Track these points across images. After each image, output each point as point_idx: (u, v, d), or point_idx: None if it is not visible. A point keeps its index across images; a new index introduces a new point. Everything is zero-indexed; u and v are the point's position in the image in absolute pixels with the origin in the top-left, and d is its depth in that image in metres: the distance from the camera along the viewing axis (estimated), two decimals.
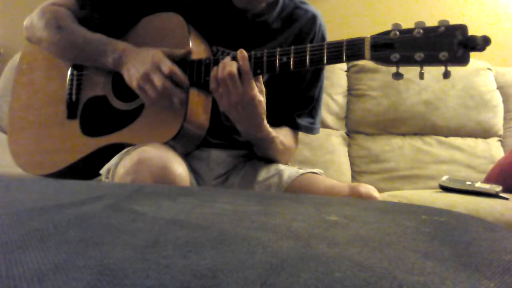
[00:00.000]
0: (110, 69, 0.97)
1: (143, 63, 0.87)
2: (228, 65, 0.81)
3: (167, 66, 0.85)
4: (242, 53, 0.82)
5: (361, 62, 2.00)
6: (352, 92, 2.01)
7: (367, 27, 1.99)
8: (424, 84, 1.93)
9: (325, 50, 0.79)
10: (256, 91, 0.83)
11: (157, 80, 0.85)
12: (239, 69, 0.81)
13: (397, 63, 0.73)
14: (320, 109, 1.10)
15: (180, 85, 0.87)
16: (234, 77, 0.81)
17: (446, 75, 0.70)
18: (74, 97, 1.03)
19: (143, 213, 0.41)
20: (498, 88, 2.00)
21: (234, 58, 0.83)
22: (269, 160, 1.04)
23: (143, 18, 0.98)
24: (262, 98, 0.85)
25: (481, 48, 0.67)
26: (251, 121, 0.88)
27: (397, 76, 0.74)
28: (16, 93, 1.14)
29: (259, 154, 1.04)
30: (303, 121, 1.06)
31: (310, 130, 1.08)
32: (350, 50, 0.76)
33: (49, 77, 1.09)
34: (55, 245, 0.31)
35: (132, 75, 0.88)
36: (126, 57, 0.91)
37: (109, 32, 0.97)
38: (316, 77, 1.06)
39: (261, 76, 0.86)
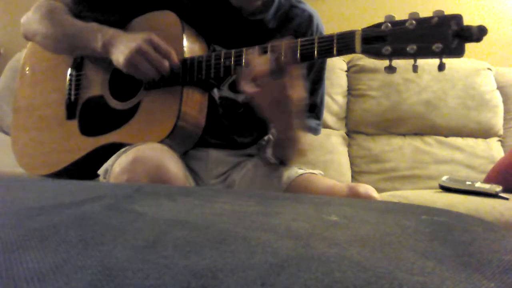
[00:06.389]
0: (98, 55, 0.95)
1: (134, 40, 0.88)
2: (260, 62, 0.78)
3: (157, 38, 0.89)
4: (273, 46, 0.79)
5: (361, 62, 2.00)
6: (352, 92, 2.01)
7: (365, 25, 1.99)
8: (424, 84, 1.93)
9: (315, 44, 0.77)
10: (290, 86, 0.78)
11: (151, 51, 0.87)
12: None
13: (389, 56, 0.71)
14: (324, 109, 1.09)
15: (167, 56, 0.89)
16: (267, 72, 0.77)
17: (441, 67, 0.68)
18: (73, 97, 1.04)
19: (143, 213, 0.41)
20: (498, 88, 2.00)
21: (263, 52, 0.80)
22: (269, 161, 1.04)
23: (137, 16, 0.98)
24: (299, 94, 0.80)
25: (477, 39, 0.65)
26: (286, 118, 0.84)
27: (390, 69, 0.72)
28: (19, 95, 1.15)
29: (277, 154, 1.00)
30: (312, 123, 1.05)
31: (316, 131, 1.07)
32: (341, 44, 0.75)
33: (50, 78, 1.10)
34: (55, 245, 0.31)
35: (122, 51, 0.88)
36: (116, 39, 0.91)
37: None
38: (318, 78, 1.05)
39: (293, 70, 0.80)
